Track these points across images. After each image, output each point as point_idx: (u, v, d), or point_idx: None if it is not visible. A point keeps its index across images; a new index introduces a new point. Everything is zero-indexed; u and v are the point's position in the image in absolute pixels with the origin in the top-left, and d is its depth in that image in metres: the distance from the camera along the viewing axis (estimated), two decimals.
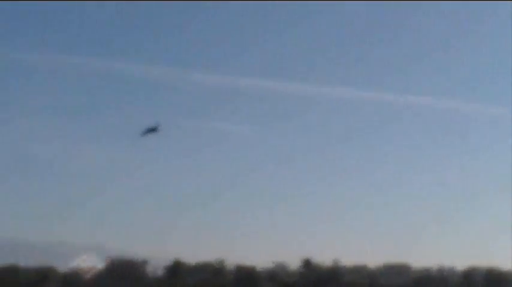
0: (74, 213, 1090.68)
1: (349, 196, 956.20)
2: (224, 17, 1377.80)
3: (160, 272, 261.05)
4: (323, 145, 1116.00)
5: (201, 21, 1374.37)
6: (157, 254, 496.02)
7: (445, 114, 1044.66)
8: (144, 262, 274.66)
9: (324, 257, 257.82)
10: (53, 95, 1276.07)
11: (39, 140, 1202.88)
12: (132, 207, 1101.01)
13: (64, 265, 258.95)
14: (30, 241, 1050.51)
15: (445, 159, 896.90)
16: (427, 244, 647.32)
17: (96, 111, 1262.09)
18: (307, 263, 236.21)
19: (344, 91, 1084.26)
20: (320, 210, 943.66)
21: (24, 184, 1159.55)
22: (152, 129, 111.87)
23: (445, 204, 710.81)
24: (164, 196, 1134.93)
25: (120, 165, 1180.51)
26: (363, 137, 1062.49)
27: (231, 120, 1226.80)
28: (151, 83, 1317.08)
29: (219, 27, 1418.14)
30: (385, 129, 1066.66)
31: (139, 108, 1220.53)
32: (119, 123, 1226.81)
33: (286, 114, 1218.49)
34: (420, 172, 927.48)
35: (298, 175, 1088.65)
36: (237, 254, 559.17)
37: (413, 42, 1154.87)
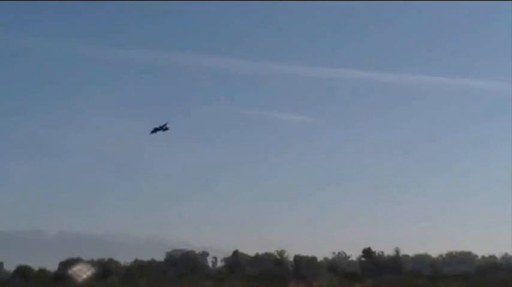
0: (132, 205, 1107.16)
1: (409, 185, 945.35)
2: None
3: (220, 263, 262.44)
4: (380, 134, 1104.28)
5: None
6: (216, 246, 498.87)
7: None
8: (205, 254, 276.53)
9: (385, 247, 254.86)
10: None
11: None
12: (190, 200, 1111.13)
13: (127, 257, 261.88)
14: (92, 234, 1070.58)
15: None
16: (489, 232, 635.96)
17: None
18: (368, 253, 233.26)
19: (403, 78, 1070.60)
20: (379, 199, 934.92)
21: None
22: (161, 128, 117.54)
23: (506, 192, 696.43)
24: (222, 189, 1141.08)
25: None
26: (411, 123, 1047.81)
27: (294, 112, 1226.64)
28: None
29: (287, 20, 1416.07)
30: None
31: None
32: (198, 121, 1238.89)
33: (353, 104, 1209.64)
34: (477, 163, 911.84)
35: (359, 165, 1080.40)
36: (296, 244, 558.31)
37: None
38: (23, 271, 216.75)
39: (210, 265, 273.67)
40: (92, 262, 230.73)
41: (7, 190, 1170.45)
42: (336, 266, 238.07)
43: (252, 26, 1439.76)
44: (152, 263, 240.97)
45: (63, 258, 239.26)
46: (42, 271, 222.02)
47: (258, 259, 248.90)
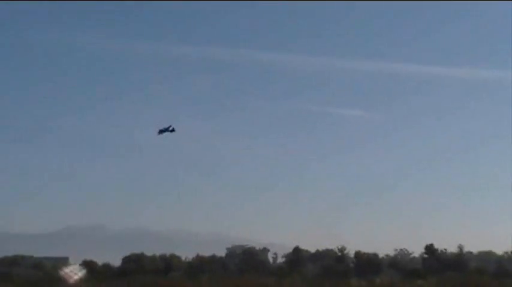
0: (194, 202, 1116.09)
1: (473, 183, 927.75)
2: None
3: (280, 259, 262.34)
4: (446, 131, 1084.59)
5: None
6: (277, 242, 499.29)
7: None
8: (265, 250, 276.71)
9: (448, 244, 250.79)
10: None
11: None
12: (251, 197, 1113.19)
13: (188, 253, 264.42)
14: (154, 230, 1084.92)
15: None
16: None
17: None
18: (430, 250, 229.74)
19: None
20: (442, 196, 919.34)
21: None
22: (167, 130, 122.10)
23: None
24: (283, 186, 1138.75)
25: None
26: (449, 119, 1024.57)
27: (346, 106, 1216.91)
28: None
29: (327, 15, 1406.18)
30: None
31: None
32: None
33: (403, 97, 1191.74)
34: None
35: (422, 162, 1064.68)
36: (357, 241, 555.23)
37: None
38: (87, 265, 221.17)
39: (271, 261, 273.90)
40: (154, 257, 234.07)
41: (74, 187, 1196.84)
42: (398, 263, 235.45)
43: (315, 23, 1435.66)
44: (213, 258, 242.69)
45: (127, 253, 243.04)
46: (105, 266, 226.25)
47: (319, 255, 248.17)
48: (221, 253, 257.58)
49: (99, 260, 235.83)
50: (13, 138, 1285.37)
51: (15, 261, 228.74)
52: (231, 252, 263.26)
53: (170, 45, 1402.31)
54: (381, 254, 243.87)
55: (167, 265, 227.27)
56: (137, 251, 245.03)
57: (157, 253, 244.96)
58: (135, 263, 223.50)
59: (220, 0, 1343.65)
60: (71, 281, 74.19)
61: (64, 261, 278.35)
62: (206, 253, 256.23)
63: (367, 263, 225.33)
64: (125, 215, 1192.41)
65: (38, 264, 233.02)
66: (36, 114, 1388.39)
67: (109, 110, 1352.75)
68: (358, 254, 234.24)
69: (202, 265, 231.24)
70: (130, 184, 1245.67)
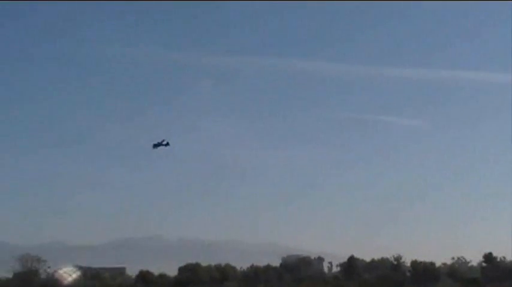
0: (247, 212, 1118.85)
1: None
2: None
3: (335, 268, 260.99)
4: (496, 137, 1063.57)
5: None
6: (330, 251, 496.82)
7: None
8: (320, 259, 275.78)
9: (507, 252, 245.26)
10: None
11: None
12: (304, 207, 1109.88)
13: (243, 263, 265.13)
14: (210, 240, 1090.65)
15: None
16: None
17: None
18: (489, 258, 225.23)
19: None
20: (497, 202, 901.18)
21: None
22: (161, 144, 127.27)
23: None
24: (335, 194, 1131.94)
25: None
26: None
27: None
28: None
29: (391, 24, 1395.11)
30: None
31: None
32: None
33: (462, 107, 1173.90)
34: None
35: (477, 168, 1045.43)
36: (414, 250, 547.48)
37: None
38: (144, 276, 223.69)
39: (326, 270, 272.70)
40: (209, 267, 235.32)
41: (131, 198, 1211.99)
42: (456, 272, 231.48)
43: (360, 30, 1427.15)
44: (268, 268, 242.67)
45: (182, 263, 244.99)
46: (162, 276, 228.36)
47: (374, 264, 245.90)
48: (276, 262, 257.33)
49: (156, 271, 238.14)
50: (75, 150, 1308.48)
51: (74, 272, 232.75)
52: (286, 262, 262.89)
53: (209, 55, 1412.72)
54: (438, 263, 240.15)
55: (222, 275, 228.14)
56: (193, 261, 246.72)
57: (213, 263, 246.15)
58: (191, 273, 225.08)
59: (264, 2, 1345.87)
60: (66, 282, 75.35)
61: (121, 271, 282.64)
62: (261, 263, 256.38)
63: (423, 272, 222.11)
64: (181, 226, 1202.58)
65: (95, 275, 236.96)
66: (93, 126, 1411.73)
67: (157, 118, 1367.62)
68: (414, 263, 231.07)
69: (257, 275, 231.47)
70: (186, 194, 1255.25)
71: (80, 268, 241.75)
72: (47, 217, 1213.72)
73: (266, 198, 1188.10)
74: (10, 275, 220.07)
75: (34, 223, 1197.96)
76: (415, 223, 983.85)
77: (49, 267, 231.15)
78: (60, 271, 73.02)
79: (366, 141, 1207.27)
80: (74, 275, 72.03)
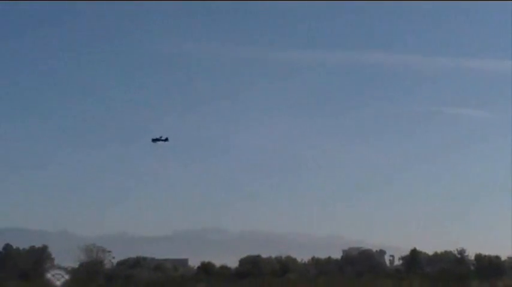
0: (311, 205, 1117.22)
1: None
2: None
3: (397, 261, 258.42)
4: None
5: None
6: (392, 244, 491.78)
7: None
8: (382, 252, 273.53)
9: None
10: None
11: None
12: (366, 199, 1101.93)
13: (304, 255, 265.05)
14: (270, 232, 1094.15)
15: None
16: None
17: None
18: None
19: None
20: None
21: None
22: (160, 139, 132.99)
23: None
24: (397, 187, 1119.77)
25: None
26: None
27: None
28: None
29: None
30: None
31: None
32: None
33: None
34: None
35: None
36: (478, 242, 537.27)
37: None
38: (205, 267, 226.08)
39: (388, 263, 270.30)
40: (269, 259, 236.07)
41: (192, 191, 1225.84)
42: None
43: (425, 23, 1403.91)
44: (329, 261, 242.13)
45: (244, 255, 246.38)
46: (223, 268, 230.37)
47: (437, 258, 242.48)
48: (337, 255, 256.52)
49: (217, 262, 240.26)
50: (139, 144, 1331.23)
51: (137, 263, 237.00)
52: (347, 254, 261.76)
53: (277, 50, 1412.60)
54: (503, 257, 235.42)
55: (283, 266, 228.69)
56: (254, 253, 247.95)
57: (273, 255, 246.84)
58: (251, 265, 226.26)
59: (338, 0, 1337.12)
60: (58, 283, 75.72)
61: (184, 263, 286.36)
62: (322, 255, 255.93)
63: (488, 266, 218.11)
64: (243, 218, 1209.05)
65: (158, 266, 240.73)
66: (159, 121, 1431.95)
67: (222, 111, 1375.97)
68: (478, 256, 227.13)
69: (318, 267, 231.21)
70: (248, 187, 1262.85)
71: (144, 259, 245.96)
72: (112, 209, 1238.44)
73: (329, 191, 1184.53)
74: (76, 265, 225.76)
75: (99, 215, 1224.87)
76: (480, 216, 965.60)
77: (113, 257, 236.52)
78: (48, 275, 73.88)
79: (435, 135, 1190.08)
80: (62, 280, 72.53)
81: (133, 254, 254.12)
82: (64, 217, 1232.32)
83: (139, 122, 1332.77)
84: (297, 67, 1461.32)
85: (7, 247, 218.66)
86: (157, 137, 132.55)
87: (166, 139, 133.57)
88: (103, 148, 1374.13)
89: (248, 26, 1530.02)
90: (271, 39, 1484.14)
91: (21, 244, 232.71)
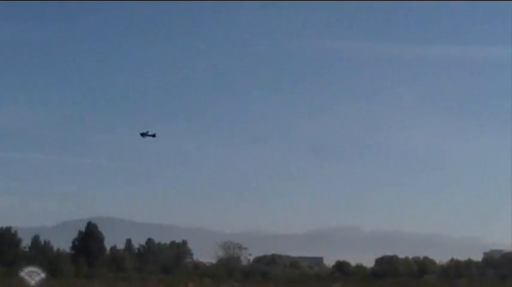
0: (452, 208, 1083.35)
1: None
2: None
3: None
4: None
5: None
6: None
7: None
8: None
9: None
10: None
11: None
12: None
13: (442, 257, 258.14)
14: (408, 233, 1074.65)
15: None
16: None
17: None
18: None
19: None
20: None
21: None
22: (147, 134, 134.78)
23: None
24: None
25: None
26: None
27: None
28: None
29: None
30: None
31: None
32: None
33: None
34: None
35: None
36: None
37: None
38: (340, 266, 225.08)
39: None
40: (406, 260, 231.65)
41: (328, 189, 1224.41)
42: None
43: None
44: (469, 263, 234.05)
45: (380, 255, 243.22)
46: (359, 267, 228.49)
47: None
48: (478, 257, 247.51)
49: (353, 261, 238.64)
50: (273, 143, 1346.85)
51: (273, 260, 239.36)
52: (489, 257, 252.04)
53: (414, 46, 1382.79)
54: None
55: (421, 268, 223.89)
56: (387, 253, 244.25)
57: (410, 255, 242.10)
58: (388, 265, 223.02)
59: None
60: (33, 283, 73.93)
61: (319, 261, 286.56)
62: (462, 257, 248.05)
63: None
64: (379, 218, 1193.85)
65: (294, 263, 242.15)
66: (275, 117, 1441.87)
67: (349, 112, 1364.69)
68: None
69: (457, 269, 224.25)
70: (385, 187, 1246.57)
71: (280, 256, 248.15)
72: (248, 207, 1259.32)
73: (469, 191, 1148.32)
74: (214, 261, 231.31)
75: (236, 212, 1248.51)
76: None
77: (250, 254, 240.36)
78: (22, 273, 73.06)
79: None
80: (37, 278, 71.64)
81: (268, 252, 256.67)
82: (202, 214, 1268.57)
83: (280, 122, 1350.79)
84: (439, 64, 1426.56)
85: (149, 241, 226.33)
86: (145, 131, 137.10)
87: (154, 135, 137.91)
88: (238, 148, 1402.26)
89: (397, 23, 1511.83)
90: (421, 35, 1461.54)
91: (162, 238, 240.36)
